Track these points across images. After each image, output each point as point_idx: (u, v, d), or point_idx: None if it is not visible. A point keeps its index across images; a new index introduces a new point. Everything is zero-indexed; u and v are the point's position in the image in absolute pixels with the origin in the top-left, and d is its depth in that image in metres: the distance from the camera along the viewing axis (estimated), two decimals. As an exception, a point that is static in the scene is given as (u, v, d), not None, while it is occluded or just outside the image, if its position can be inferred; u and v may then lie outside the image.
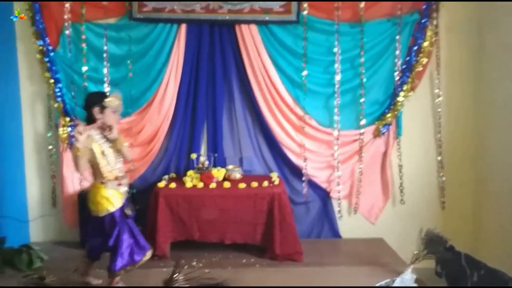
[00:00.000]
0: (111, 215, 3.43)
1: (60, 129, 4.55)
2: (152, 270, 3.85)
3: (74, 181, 4.62)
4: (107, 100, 3.42)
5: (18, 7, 4.45)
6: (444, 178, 4.81)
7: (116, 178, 3.48)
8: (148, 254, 3.57)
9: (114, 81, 4.61)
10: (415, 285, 1.61)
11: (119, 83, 4.60)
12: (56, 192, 4.73)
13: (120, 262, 3.44)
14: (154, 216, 4.17)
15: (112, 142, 3.46)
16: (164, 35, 4.58)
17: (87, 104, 3.48)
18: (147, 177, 4.68)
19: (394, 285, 1.44)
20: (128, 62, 4.58)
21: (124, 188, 3.54)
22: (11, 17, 4.28)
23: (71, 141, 4.54)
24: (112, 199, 3.43)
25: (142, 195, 4.49)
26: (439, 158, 4.81)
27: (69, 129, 4.54)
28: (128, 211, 3.52)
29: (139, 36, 4.60)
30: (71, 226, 4.63)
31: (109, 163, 3.44)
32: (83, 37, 4.54)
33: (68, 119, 4.54)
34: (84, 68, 4.55)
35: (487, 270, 3.15)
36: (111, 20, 4.61)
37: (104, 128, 3.44)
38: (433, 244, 2.84)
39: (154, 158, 4.67)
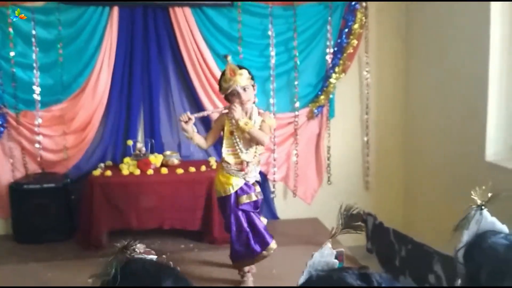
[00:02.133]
0: (227, 198, 3.33)
1: (-12, 119, 4.38)
2: (89, 260, 3.80)
3: (5, 172, 4.46)
4: (221, 86, 3.32)
5: None
6: (369, 158, 4.98)
7: (239, 163, 3.30)
8: (271, 247, 3.40)
9: (44, 66, 4.43)
10: (335, 260, 1.71)
11: (49, 69, 4.44)
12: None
13: (238, 254, 3.39)
14: (89, 205, 4.10)
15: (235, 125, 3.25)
16: (96, 18, 4.43)
17: None
18: (81, 165, 4.56)
19: (314, 259, 1.52)
20: (58, 46, 4.42)
21: (243, 176, 3.32)
22: (11, 17, 4.08)
23: (-1, 130, 4.40)
24: (226, 183, 3.31)
25: (77, 184, 4.41)
26: (365, 138, 4.98)
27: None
28: (242, 200, 3.32)
29: (69, 20, 4.43)
30: (3, 219, 4.50)
31: (238, 145, 3.29)
32: (9, 20, 4.33)
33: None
34: (12, 54, 4.36)
35: (414, 245, 3.33)
36: (39, 3, 4.41)
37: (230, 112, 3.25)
38: (350, 219, 2.96)
39: (89, 146, 4.56)
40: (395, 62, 4.94)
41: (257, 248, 3.36)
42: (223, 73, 3.34)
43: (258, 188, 3.42)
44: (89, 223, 4.10)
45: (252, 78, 3.31)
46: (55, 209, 4.31)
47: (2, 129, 4.40)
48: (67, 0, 4.38)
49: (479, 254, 1.47)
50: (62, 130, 4.50)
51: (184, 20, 4.51)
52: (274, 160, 4.80)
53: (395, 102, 4.98)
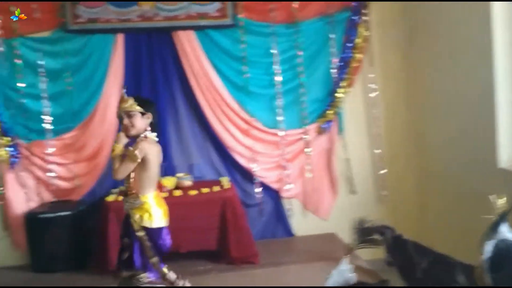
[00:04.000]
0: None
1: (1, 150, 4.40)
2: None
3: (20, 202, 4.48)
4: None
5: None
6: (385, 171, 4.99)
7: None
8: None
9: (53, 95, 4.50)
10: (352, 275, 1.71)
11: (58, 98, 4.51)
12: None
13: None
14: (105, 230, 4.10)
15: None
16: (101, 46, 4.52)
17: None
18: (95, 192, 4.59)
19: (333, 277, 1.53)
20: (66, 75, 4.48)
21: None
22: (11, 17, 4.10)
23: (12, 161, 4.41)
24: None
25: (91, 211, 4.42)
26: (377, 151, 4.98)
27: (10, 149, 4.39)
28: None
29: (75, 48, 4.51)
30: (20, 249, 4.50)
31: None
32: (17, 52, 4.40)
33: (8, 138, 4.38)
34: (21, 85, 4.42)
35: (435, 256, 3.29)
36: (46, 34, 4.50)
37: None
38: (365, 233, 2.95)
39: (102, 172, 4.58)
40: (400, 73, 4.97)
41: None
42: None
43: None
44: (105, 250, 4.09)
45: (144, 107, 3.13)
46: (71, 237, 4.32)
47: (15, 159, 4.42)
48: (72, 30, 4.43)
49: (508, 263, 1.46)
50: (74, 158, 4.52)
51: (188, 43, 4.57)
52: (287, 177, 4.81)
53: (404, 113, 5.00)
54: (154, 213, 3.17)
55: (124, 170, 3.10)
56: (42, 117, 4.46)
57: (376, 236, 3.77)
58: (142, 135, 3.14)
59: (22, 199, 4.47)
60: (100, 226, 4.19)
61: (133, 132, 3.14)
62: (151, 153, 3.11)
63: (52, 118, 4.49)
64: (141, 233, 3.15)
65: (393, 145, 5.01)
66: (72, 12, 4.44)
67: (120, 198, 4.19)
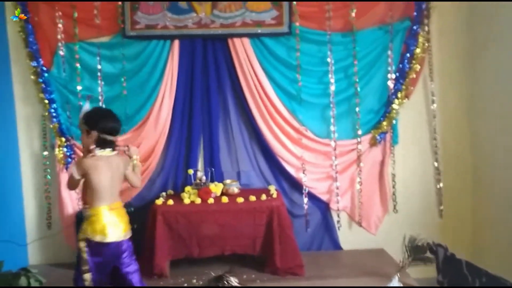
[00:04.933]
0: None
1: (57, 150, 4.54)
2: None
3: (73, 201, 4.60)
4: None
5: (11, 28, 4.50)
6: (441, 185, 4.78)
7: None
8: None
9: (109, 99, 4.61)
10: None
11: (113, 101, 4.60)
12: (52, 214, 4.69)
13: None
14: (152, 234, 4.14)
15: None
16: (158, 51, 4.59)
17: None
18: (144, 194, 4.65)
19: None
20: (122, 79, 4.58)
21: None
22: (11, 17, 4.30)
23: (67, 162, 4.54)
24: None
25: (140, 213, 4.47)
26: (435, 164, 4.79)
27: (65, 149, 4.53)
28: None
29: (132, 54, 4.61)
30: (71, 247, 4.59)
31: None
32: (77, 56, 4.55)
33: (64, 139, 4.53)
34: (79, 88, 4.55)
35: (489, 277, 3.11)
36: (104, 39, 4.62)
37: None
38: (417, 251, 2.83)
39: (151, 175, 4.65)
40: (460, 85, 4.76)
41: None
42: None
43: None
44: (152, 252, 4.12)
45: (85, 123, 3.34)
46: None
47: (70, 160, 4.55)
48: (130, 36, 4.53)
49: None
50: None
51: (243, 50, 4.57)
52: (337, 188, 4.70)
53: (461, 126, 4.78)
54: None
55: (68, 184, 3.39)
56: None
57: (428, 255, 3.61)
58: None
59: (75, 198, 4.58)
60: (148, 229, 4.23)
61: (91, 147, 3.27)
62: (88, 169, 3.20)
63: (107, 121, 4.59)
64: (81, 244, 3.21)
65: (450, 159, 4.80)
66: (131, 19, 4.54)
67: (170, 202, 4.23)
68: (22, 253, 4.65)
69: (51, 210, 4.69)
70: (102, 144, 3.26)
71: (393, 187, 4.75)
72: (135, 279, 3.29)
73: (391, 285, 2.25)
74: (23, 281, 3.90)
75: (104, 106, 4.57)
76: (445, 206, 4.80)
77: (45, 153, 4.65)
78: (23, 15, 3.99)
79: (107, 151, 3.27)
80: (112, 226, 3.22)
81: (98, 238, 3.18)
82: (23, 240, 4.68)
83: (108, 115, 3.39)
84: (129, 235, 3.34)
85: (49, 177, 4.66)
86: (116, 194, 3.34)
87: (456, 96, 4.77)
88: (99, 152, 3.25)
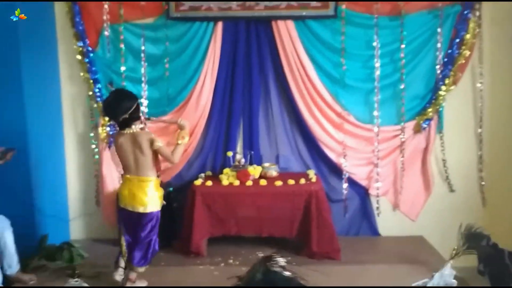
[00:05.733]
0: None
1: (100, 129, 4.61)
2: (189, 267, 3.85)
3: (113, 179, 4.67)
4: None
5: (58, 8, 4.59)
6: (484, 174, 4.62)
7: None
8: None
9: (152, 80, 4.66)
10: (454, 280, 1.56)
11: (156, 82, 4.65)
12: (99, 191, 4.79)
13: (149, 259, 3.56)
14: (190, 213, 4.18)
15: None
16: (201, 33, 4.58)
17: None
18: (183, 175, 4.69)
19: (433, 280, 1.41)
20: (165, 61, 4.61)
21: None
22: (11, 17, 4.38)
23: (110, 140, 4.61)
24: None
25: (178, 193, 4.51)
26: (479, 153, 4.63)
27: (108, 128, 4.60)
28: None
29: (176, 35, 4.62)
30: (110, 224, 4.69)
31: None
32: (121, 37, 4.59)
33: (107, 118, 4.60)
34: (123, 68, 4.61)
35: (532, 268, 2.98)
36: (149, 20, 4.66)
37: None
38: (473, 239, 2.73)
39: (191, 156, 4.67)
40: (510, 73, 4.55)
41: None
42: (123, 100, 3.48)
43: None
44: (190, 231, 4.16)
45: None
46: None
47: (112, 139, 4.62)
48: (174, 18, 4.54)
49: None
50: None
51: (286, 33, 4.51)
52: (378, 174, 4.60)
53: (510, 115, 4.58)
54: None
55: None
56: (141, 100, 4.62)
57: (483, 243, 3.48)
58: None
59: (116, 177, 4.65)
60: (186, 208, 4.26)
61: None
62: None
63: (149, 102, 4.64)
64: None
65: (496, 149, 4.62)
66: (176, 1, 4.55)
67: (209, 183, 4.24)
68: (65, 228, 4.77)
69: (98, 187, 4.78)
70: (122, 125, 3.50)
71: (446, 172, 4.63)
72: (137, 254, 3.49)
73: (444, 272, 2.19)
74: (66, 254, 4.02)
75: (146, 86, 4.61)
76: (489, 196, 4.63)
77: (92, 134, 4.72)
78: (23, 15, 4.06)
79: (128, 129, 3.49)
80: (130, 196, 3.45)
81: (121, 204, 3.50)
82: (66, 215, 4.80)
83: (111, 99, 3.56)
84: (149, 209, 3.47)
85: (96, 156, 4.73)
86: (140, 168, 3.47)
87: (505, 85, 4.58)
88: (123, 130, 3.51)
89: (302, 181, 4.23)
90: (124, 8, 4.56)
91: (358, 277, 3.69)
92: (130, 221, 3.50)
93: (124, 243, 3.54)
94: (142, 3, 4.56)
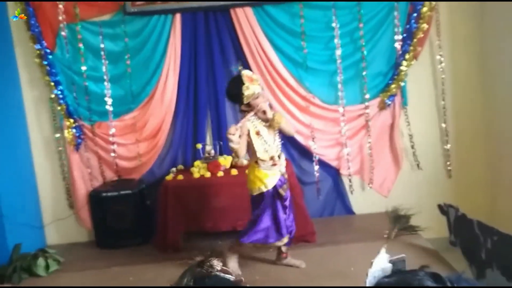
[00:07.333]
0: (262, 194, 3.47)
1: (66, 131, 4.55)
2: (167, 262, 3.86)
3: (85, 181, 4.65)
4: (244, 95, 3.38)
5: (11, 12, 4.47)
6: (449, 146, 4.70)
7: (272, 158, 3.45)
8: (284, 240, 3.56)
9: (114, 78, 4.60)
10: (389, 264, 1.63)
11: (119, 80, 4.60)
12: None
13: (251, 237, 3.52)
14: (164, 209, 4.16)
15: (270, 122, 3.45)
16: (159, 27, 4.53)
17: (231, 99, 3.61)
18: (155, 171, 4.68)
19: (373, 267, 1.49)
20: (126, 57, 4.55)
21: (278, 168, 3.49)
22: (11, 17, 4.29)
23: (77, 142, 4.57)
24: (265, 179, 3.44)
25: (151, 189, 4.50)
26: (443, 125, 4.70)
27: (74, 130, 4.55)
28: (282, 191, 3.49)
29: (134, 30, 4.56)
30: (85, 227, 4.66)
31: (265, 142, 3.44)
32: (79, 36, 4.52)
33: (72, 120, 4.54)
34: (83, 68, 4.54)
35: (501, 236, 3.07)
36: (106, 17, 4.58)
37: (258, 114, 3.45)
38: (401, 220, 2.85)
39: (161, 152, 4.65)
40: (470, 44, 4.62)
41: (273, 237, 3.52)
42: (237, 84, 3.41)
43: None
44: (165, 227, 4.16)
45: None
46: (132, 215, 4.42)
47: (79, 140, 4.58)
48: (131, 13, 4.49)
49: None
50: (135, 138, 4.61)
51: (245, 20, 4.49)
52: (348, 154, 4.65)
53: (472, 86, 4.66)
54: None
55: None
56: (104, 99, 4.57)
57: (412, 223, 3.55)
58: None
59: (87, 178, 4.62)
60: (160, 204, 4.25)
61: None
62: None
63: (113, 100, 4.59)
64: None
65: (460, 119, 4.70)
66: (130, -5, 4.48)
67: (180, 177, 4.24)
68: (39, 235, 4.70)
69: (70, 190, 4.73)
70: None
71: (412, 147, 4.68)
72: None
73: (379, 258, 2.25)
74: (41, 261, 3.99)
75: (110, 85, 4.57)
76: (457, 168, 4.72)
77: (57, 135, 4.66)
78: (23, 15, 3.96)
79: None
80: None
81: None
82: (40, 222, 4.73)
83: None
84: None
85: (64, 158, 4.68)
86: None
87: (466, 55, 4.65)
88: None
89: (273, 166, 4.24)
90: (80, 6, 4.48)
91: (332, 258, 3.75)
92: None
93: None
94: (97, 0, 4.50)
